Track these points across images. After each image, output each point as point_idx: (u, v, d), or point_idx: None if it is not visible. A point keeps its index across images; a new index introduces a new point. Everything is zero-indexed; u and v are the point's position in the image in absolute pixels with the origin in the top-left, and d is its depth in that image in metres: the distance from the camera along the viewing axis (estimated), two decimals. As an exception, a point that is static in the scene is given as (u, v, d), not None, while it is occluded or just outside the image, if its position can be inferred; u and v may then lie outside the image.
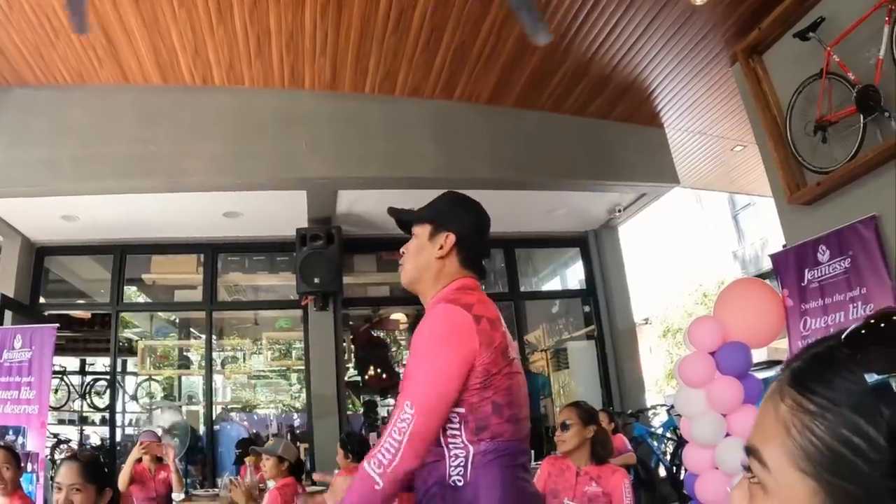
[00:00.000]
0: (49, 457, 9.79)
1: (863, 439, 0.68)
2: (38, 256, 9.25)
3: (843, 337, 0.76)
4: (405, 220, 2.74)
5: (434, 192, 7.45)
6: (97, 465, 3.16)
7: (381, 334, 11.32)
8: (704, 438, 5.08)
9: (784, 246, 5.94)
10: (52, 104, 7.54)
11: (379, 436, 8.64)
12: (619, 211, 8.95)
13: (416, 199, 7.75)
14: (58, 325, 7.96)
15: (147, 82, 7.45)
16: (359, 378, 10.52)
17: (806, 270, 5.42)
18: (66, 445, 12.03)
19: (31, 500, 4.57)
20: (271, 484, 5.90)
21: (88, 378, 13.36)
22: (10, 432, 7.40)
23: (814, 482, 0.72)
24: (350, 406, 10.09)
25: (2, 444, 4.72)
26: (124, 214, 8.28)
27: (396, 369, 10.77)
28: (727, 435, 5.00)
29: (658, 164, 8.39)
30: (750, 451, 0.80)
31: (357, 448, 6.20)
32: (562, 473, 4.19)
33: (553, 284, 11.75)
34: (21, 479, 4.61)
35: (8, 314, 8.42)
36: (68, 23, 5.92)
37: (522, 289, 9.98)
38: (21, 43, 6.84)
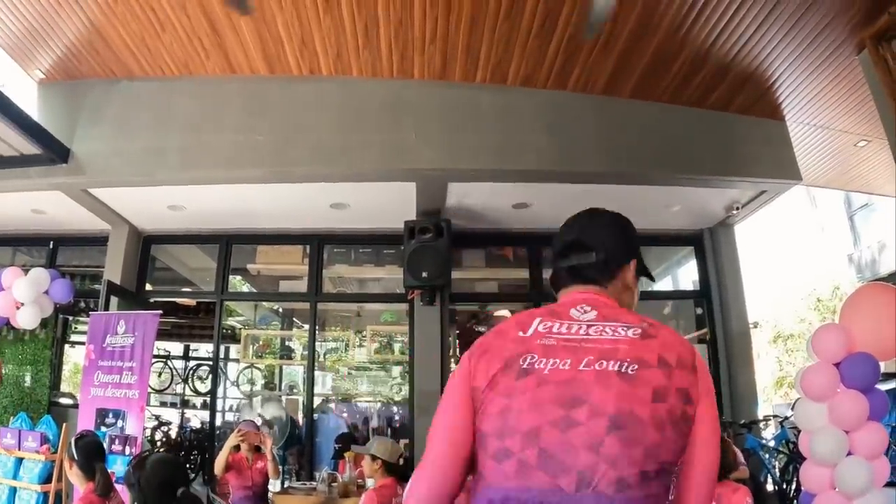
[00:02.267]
0: (149, 438, 9.94)
1: None
2: (144, 245, 9.44)
3: None
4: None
5: (546, 186, 7.27)
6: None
7: (486, 330, 11.13)
8: (824, 456, 4.76)
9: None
10: (157, 95, 7.65)
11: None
12: (738, 208, 8.46)
13: (527, 192, 7.63)
14: (161, 311, 8.08)
15: (253, 73, 7.45)
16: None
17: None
18: (166, 427, 12.34)
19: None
20: (370, 483, 5.79)
21: (191, 363, 13.69)
22: (111, 415, 7.53)
23: None
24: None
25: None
26: (231, 204, 8.31)
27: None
28: (849, 453, 4.65)
29: (779, 160, 7.91)
30: None
31: None
32: None
33: (665, 284, 11.26)
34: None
35: (114, 300, 8.56)
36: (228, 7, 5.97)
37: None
38: (127, 35, 6.95)
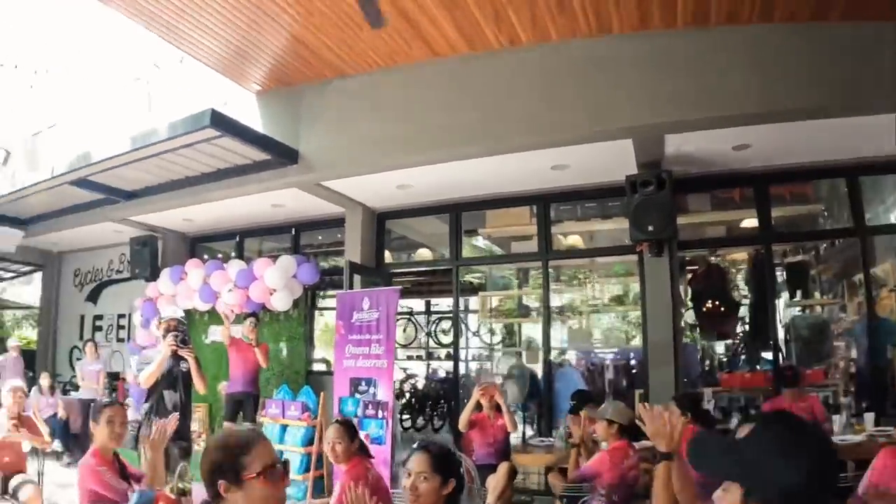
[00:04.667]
0: (398, 390, 10.63)
1: None
2: (378, 222, 10.15)
3: None
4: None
5: (764, 128, 6.86)
6: (445, 458, 3.28)
7: (718, 260, 10.86)
8: None
9: None
10: (369, 88, 8.16)
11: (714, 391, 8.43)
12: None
13: (744, 133, 7.42)
14: (401, 287, 8.79)
15: (455, 53, 7.68)
16: (695, 321, 10.33)
17: None
18: (413, 379, 13.17)
19: (366, 465, 4.98)
20: (604, 445, 5.98)
21: (433, 317, 14.42)
22: (363, 383, 8.30)
23: None
24: (687, 335, 9.94)
25: (339, 419, 5.21)
26: (455, 177, 8.67)
27: (735, 299, 10.36)
28: None
29: None
30: None
31: (690, 406, 6.09)
32: None
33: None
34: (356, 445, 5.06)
35: (356, 278, 9.29)
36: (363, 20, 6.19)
37: (871, 222, 8.61)
38: (328, 39, 7.51)
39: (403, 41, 7.44)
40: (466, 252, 10.57)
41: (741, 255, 10.59)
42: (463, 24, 7.13)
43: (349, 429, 5.06)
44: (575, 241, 10.19)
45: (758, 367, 9.31)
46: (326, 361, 12.10)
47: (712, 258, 10.62)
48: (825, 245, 9.95)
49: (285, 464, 2.45)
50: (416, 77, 7.92)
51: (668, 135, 7.41)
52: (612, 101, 7.17)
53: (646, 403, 3.15)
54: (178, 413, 5.13)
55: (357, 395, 8.25)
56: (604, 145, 7.62)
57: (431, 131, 7.73)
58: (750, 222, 9.01)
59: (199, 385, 6.70)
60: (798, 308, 9.81)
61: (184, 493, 3.33)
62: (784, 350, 8.99)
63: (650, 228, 7.77)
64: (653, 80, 7.10)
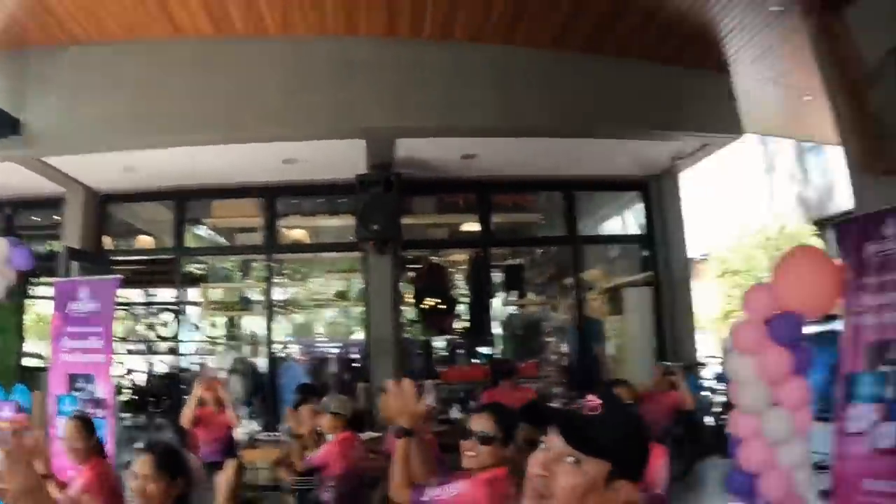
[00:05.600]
0: (117, 385, 10.14)
1: None
2: (101, 205, 9.54)
3: None
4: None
5: (493, 141, 7.30)
6: (171, 457, 3.22)
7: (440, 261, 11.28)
8: (750, 406, 5.03)
9: (851, 214, 5.70)
10: (106, 61, 7.63)
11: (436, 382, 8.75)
12: (682, 158, 8.74)
13: (474, 144, 7.78)
14: (121, 276, 8.22)
15: (200, 35, 7.43)
16: (419, 317, 10.64)
17: (868, 244, 5.16)
18: (132, 376, 12.56)
19: (105, 464, 4.75)
20: (329, 438, 6.03)
21: (153, 309, 13.83)
22: (81, 380, 7.67)
23: None
24: (408, 331, 10.33)
25: (76, 414, 4.89)
26: (183, 163, 8.41)
27: (455, 297, 10.81)
28: (774, 404, 4.92)
29: (723, 115, 8.08)
30: None
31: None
32: None
33: (613, 226, 11.51)
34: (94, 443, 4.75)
35: (74, 265, 8.63)
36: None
37: (582, 232, 9.85)
38: (69, 1, 6.88)
39: (147, 14, 7.05)
40: (190, 242, 10.32)
41: (462, 256, 11.07)
42: (211, 6, 6.93)
43: (87, 425, 4.76)
44: (301, 235, 10.22)
45: (476, 361, 9.88)
46: (41, 356, 11.27)
47: (435, 258, 11.07)
48: (541, 251, 11.00)
49: None
50: (156, 55, 7.56)
51: (399, 139, 7.68)
52: (348, 101, 7.34)
53: (393, 381, 3.24)
54: None
55: (75, 393, 7.73)
56: (337, 143, 7.81)
57: (167, 114, 7.44)
58: (472, 226, 9.68)
59: None
60: (514, 307, 10.67)
61: None
62: (501, 345, 9.81)
63: (375, 227, 8.08)
64: (392, 85, 7.36)
